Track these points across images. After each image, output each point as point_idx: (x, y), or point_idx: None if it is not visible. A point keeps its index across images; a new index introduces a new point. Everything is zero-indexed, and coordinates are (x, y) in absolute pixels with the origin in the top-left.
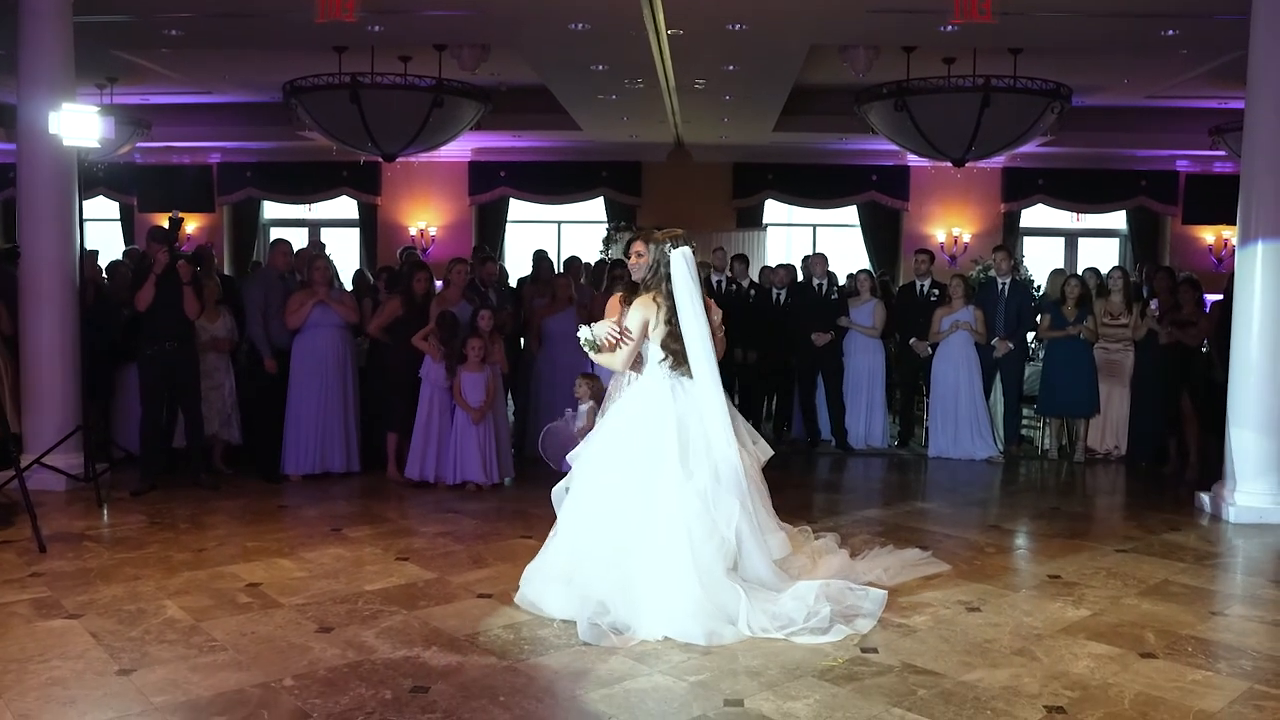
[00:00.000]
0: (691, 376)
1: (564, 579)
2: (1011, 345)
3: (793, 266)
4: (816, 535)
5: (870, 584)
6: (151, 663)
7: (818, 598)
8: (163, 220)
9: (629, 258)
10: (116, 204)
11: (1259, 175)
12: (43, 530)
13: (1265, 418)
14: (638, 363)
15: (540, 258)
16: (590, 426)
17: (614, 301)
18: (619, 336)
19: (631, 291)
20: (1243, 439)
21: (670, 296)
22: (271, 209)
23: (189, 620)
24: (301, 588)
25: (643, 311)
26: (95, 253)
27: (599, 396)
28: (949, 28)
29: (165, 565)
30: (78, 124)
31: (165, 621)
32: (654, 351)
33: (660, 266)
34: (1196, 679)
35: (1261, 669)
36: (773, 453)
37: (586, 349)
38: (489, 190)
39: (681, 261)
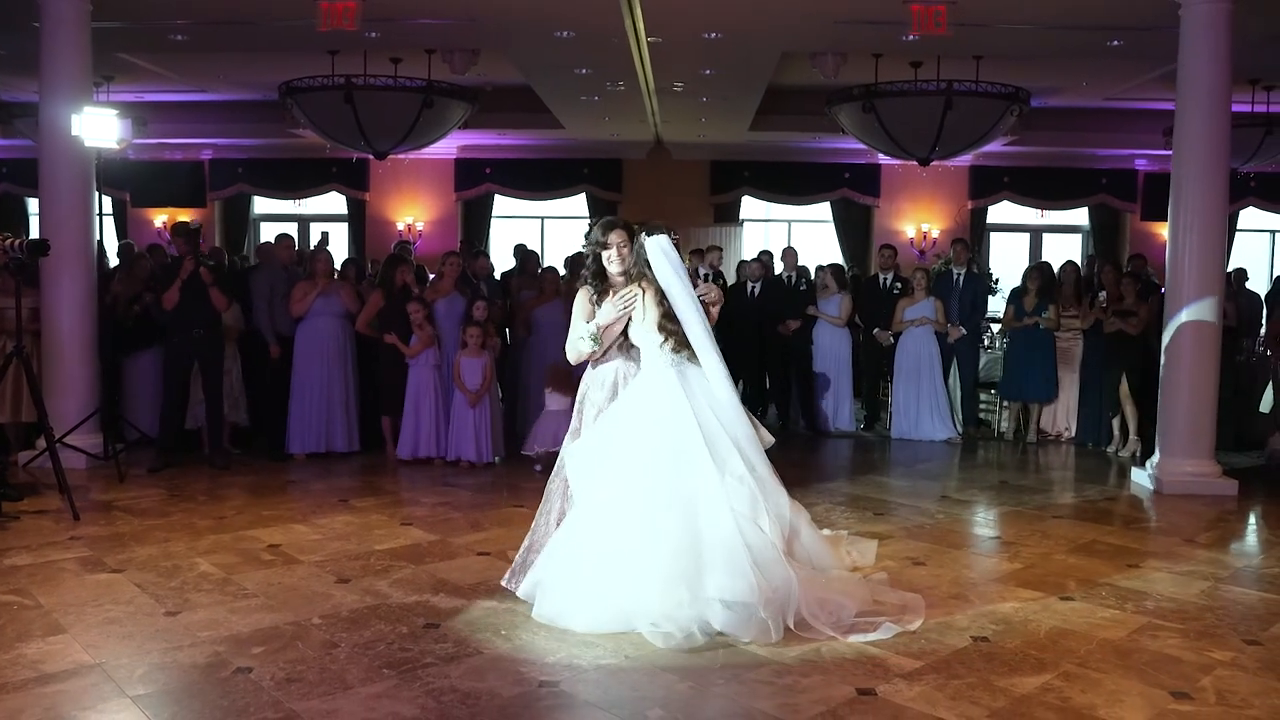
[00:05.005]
0: (694, 360)
1: (598, 595)
2: (965, 331)
3: (769, 255)
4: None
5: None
6: (193, 607)
7: (863, 600)
8: (169, 216)
9: (607, 247)
10: (109, 199)
11: (1188, 178)
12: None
13: (1192, 399)
14: (631, 352)
15: (525, 252)
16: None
17: (581, 297)
18: (617, 317)
19: (600, 281)
20: (1173, 418)
21: (655, 281)
22: (262, 204)
23: (221, 574)
24: (318, 548)
25: (638, 291)
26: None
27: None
28: (910, 37)
29: (191, 530)
30: (98, 125)
31: (199, 575)
32: (651, 337)
33: (640, 254)
34: (1105, 616)
35: (1162, 608)
36: (773, 440)
37: (591, 344)
38: (475, 186)
39: (656, 248)
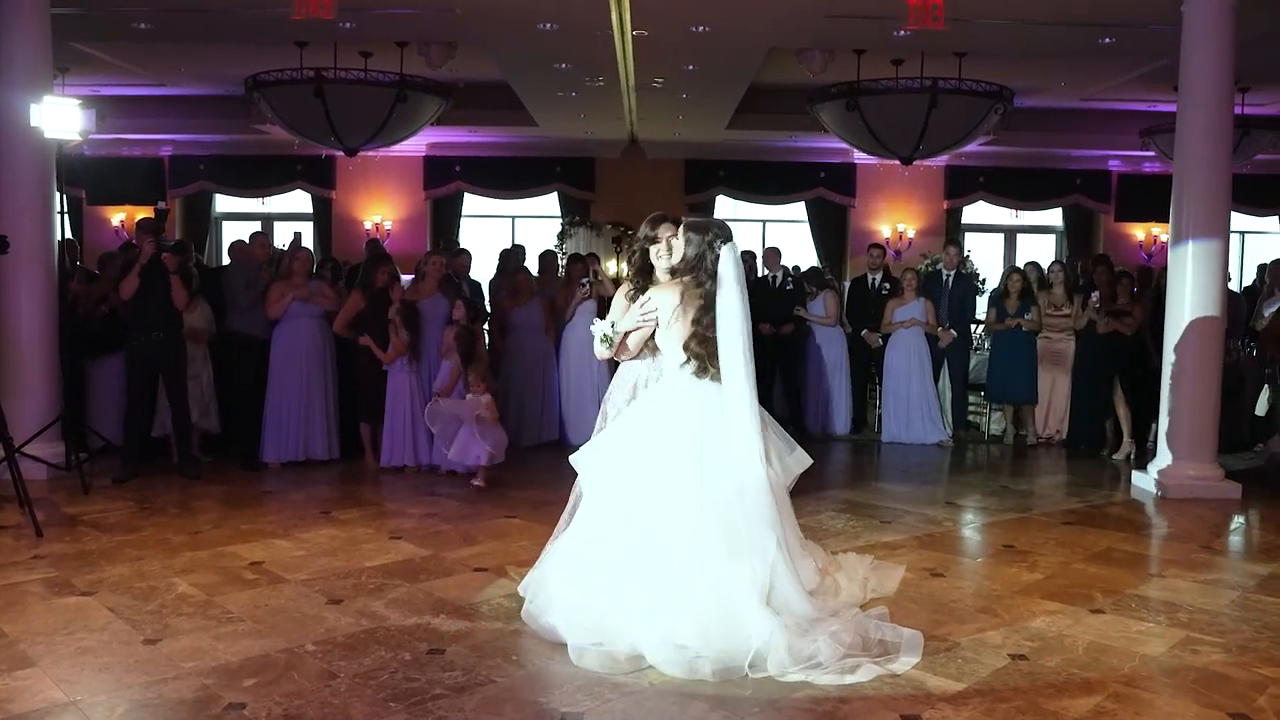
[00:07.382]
0: (717, 381)
1: (565, 596)
2: (955, 334)
3: (752, 255)
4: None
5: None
6: (174, 633)
7: (852, 638)
8: (127, 214)
9: (656, 241)
10: (65, 196)
11: (1189, 177)
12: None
13: (1195, 402)
14: (657, 356)
15: (507, 253)
16: (450, 383)
17: (619, 296)
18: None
19: (643, 279)
20: (1176, 422)
21: (708, 295)
22: (224, 202)
23: (201, 595)
24: (303, 565)
25: (670, 297)
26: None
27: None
28: (901, 33)
29: (165, 546)
30: (59, 116)
31: (178, 597)
32: (674, 353)
33: (706, 262)
34: (1140, 629)
35: (1196, 620)
36: (811, 461)
37: (603, 346)
38: (444, 184)
39: (731, 259)
